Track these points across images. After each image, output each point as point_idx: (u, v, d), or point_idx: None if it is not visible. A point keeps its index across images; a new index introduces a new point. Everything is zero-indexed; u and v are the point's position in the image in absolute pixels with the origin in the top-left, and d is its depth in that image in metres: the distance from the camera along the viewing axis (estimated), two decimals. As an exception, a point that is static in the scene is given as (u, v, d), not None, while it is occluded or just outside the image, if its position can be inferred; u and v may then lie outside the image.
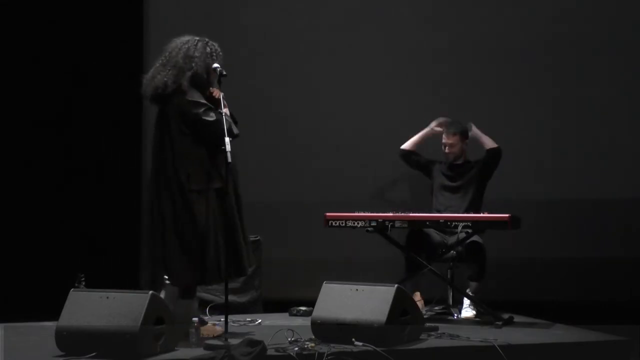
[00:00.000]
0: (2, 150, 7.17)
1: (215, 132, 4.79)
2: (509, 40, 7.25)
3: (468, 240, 5.80)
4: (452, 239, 5.89)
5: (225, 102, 4.93)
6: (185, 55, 4.90)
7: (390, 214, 5.74)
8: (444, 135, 6.28)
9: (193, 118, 4.83)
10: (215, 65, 4.92)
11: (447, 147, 6.25)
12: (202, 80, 4.93)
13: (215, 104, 4.92)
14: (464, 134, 6.25)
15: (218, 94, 4.95)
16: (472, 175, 6.18)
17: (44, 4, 7.26)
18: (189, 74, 4.88)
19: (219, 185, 4.85)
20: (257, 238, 6.33)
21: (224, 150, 4.68)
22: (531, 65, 7.23)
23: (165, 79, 4.86)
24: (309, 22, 7.47)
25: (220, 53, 5.01)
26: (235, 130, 4.89)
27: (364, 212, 5.78)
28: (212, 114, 4.82)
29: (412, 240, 5.96)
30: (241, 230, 4.95)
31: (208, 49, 4.95)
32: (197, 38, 4.99)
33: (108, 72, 7.29)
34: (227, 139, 4.70)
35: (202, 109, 4.82)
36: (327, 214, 5.84)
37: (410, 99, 7.28)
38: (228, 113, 4.93)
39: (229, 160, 4.68)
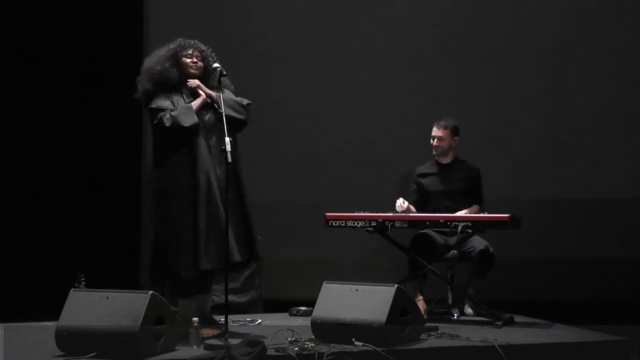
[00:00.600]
0: (1, 151, 7.18)
1: (161, 129, 4.88)
2: (510, 41, 7.26)
3: (480, 248, 5.76)
4: (452, 240, 5.89)
5: (206, 91, 4.98)
6: (157, 60, 5.05)
7: (390, 214, 5.73)
8: (434, 128, 6.09)
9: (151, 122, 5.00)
10: (216, 65, 4.98)
11: (435, 140, 6.09)
12: (174, 76, 5.01)
13: (196, 95, 5.01)
14: (454, 131, 6.11)
15: (193, 83, 5.02)
16: (461, 181, 6.09)
17: (44, 4, 7.27)
18: (157, 77, 4.99)
19: (186, 182, 4.86)
20: (257, 238, 6.33)
21: (224, 151, 4.69)
22: (532, 65, 7.23)
23: (140, 88, 5.06)
24: (309, 23, 7.47)
25: (193, 42, 5.09)
26: (186, 123, 4.84)
27: (364, 212, 5.77)
28: (158, 115, 4.89)
29: (416, 242, 5.94)
30: (220, 224, 4.85)
31: (173, 45, 5.07)
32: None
33: (108, 73, 7.29)
34: (227, 139, 4.70)
35: (151, 113, 4.95)
36: (327, 214, 5.82)
37: (411, 99, 7.29)
38: (212, 101, 4.96)
39: (229, 160, 4.68)
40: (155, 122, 4.91)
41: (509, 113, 7.21)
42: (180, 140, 4.89)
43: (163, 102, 4.94)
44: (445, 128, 6.07)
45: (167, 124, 4.85)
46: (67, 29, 7.31)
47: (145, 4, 7.57)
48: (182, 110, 4.89)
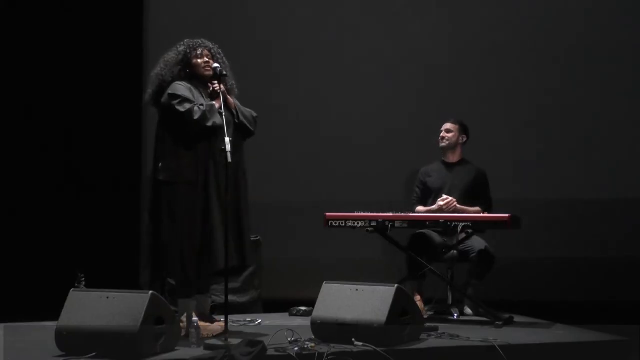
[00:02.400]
0: (1, 151, 7.18)
1: (186, 121, 4.78)
2: (511, 40, 7.26)
3: (479, 249, 5.76)
4: (452, 240, 5.89)
5: (228, 99, 4.94)
6: (166, 66, 5.01)
7: (390, 214, 5.72)
8: (444, 123, 6.14)
9: (168, 108, 4.85)
10: (215, 65, 4.96)
11: (443, 132, 6.12)
12: (185, 76, 4.97)
13: (215, 97, 4.94)
14: (464, 128, 6.14)
15: (220, 89, 4.94)
16: (467, 180, 6.09)
17: (45, 8, 7.27)
18: (170, 79, 4.95)
19: (189, 179, 4.84)
20: (257, 238, 6.33)
21: (224, 151, 4.69)
22: (532, 64, 7.23)
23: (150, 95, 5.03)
24: (311, 22, 7.47)
25: (200, 42, 5.05)
26: (210, 122, 4.80)
27: (364, 212, 5.77)
28: (187, 105, 4.80)
29: (414, 242, 5.94)
30: (221, 226, 4.84)
31: (181, 48, 5.03)
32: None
33: (109, 74, 7.30)
34: (227, 139, 4.70)
35: (178, 100, 4.82)
36: (327, 214, 5.82)
37: (412, 99, 7.29)
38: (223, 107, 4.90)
39: (229, 160, 4.68)
40: (182, 110, 4.78)
41: (510, 113, 7.21)
42: (197, 136, 4.83)
43: (187, 93, 4.87)
44: (455, 123, 6.10)
45: (196, 116, 4.77)
46: (67, 31, 7.31)
47: (145, 4, 7.57)
48: (208, 107, 4.82)
